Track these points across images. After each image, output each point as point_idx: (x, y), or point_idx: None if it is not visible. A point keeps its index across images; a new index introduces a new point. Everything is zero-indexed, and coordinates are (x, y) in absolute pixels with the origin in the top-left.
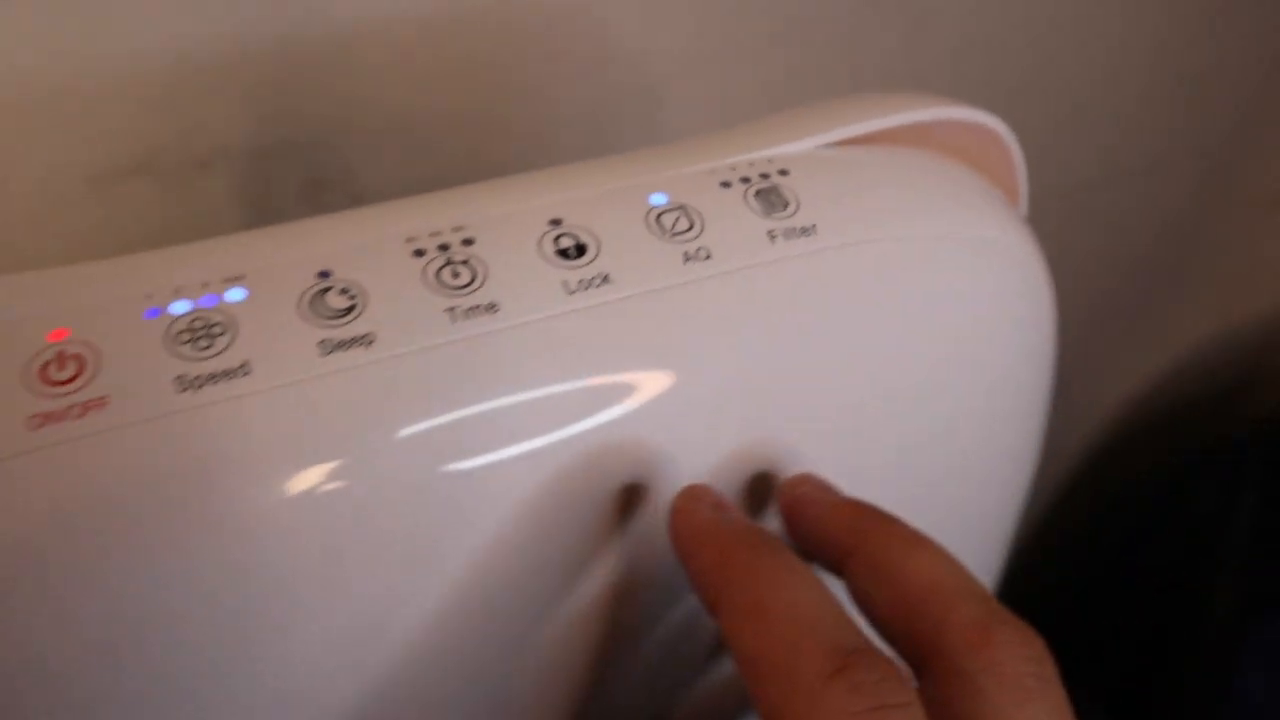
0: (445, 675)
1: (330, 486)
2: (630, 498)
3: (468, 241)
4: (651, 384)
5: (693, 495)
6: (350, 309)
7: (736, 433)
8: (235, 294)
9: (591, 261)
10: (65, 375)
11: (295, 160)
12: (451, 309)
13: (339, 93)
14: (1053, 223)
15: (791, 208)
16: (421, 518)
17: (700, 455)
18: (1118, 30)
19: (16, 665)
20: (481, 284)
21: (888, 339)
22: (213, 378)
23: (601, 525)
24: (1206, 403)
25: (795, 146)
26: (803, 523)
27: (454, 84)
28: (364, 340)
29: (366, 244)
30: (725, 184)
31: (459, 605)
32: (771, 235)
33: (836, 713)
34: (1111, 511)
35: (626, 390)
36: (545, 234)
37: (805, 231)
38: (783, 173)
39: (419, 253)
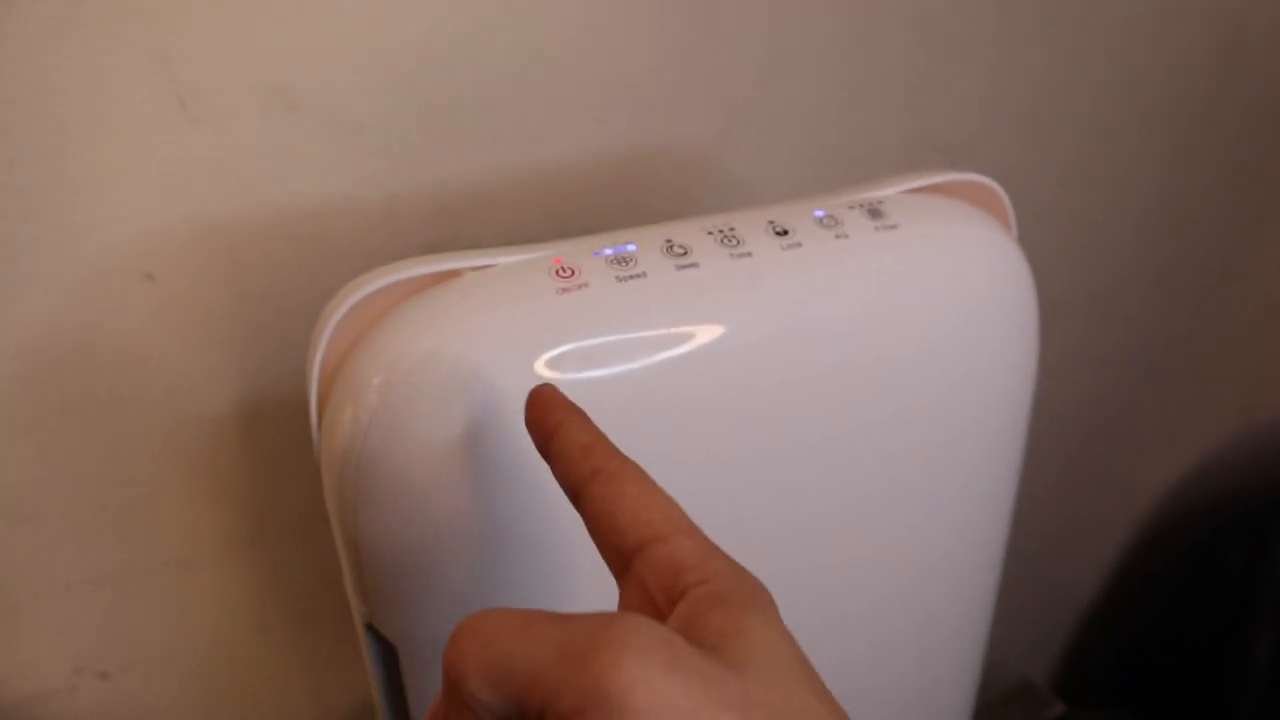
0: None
1: (692, 336)
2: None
3: (732, 229)
4: (819, 298)
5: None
6: (685, 253)
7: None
8: (630, 247)
9: (793, 236)
10: (567, 274)
11: None
12: (730, 254)
13: (545, 213)
14: (1081, 323)
15: (885, 217)
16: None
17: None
18: (1130, 157)
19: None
20: (742, 244)
21: (927, 293)
22: (632, 276)
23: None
24: (1233, 487)
25: (886, 192)
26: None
27: (622, 203)
28: (695, 264)
29: (684, 231)
30: (851, 206)
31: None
32: (876, 229)
33: None
34: (1157, 584)
35: (807, 300)
36: (766, 226)
37: (893, 228)
38: (880, 202)
39: (710, 233)
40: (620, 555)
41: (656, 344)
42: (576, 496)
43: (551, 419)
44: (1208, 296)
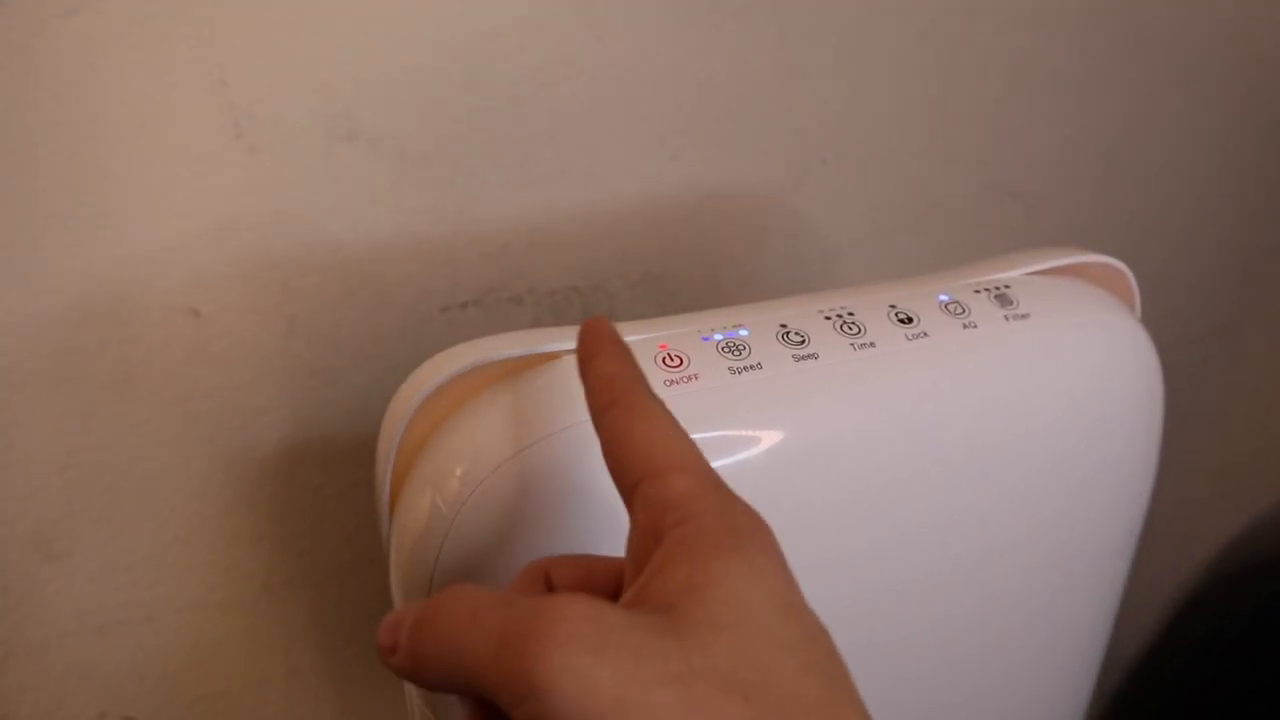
0: None
1: (809, 434)
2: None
3: (850, 313)
4: (946, 390)
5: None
6: (802, 342)
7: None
8: (743, 331)
9: (917, 325)
10: (674, 363)
11: (576, 299)
12: (851, 344)
13: (611, 254)
14: None
15: (1015, 304)
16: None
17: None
18: (1200, 210)
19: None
20: (864, 333)
21: (1063, 388)
22: (745, 369)
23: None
24: None
25: (1010, 274)
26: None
27: (690, 246)
28: (813, 356)
29: (798, 314)
30: (977, 291)
31: None
32: (1006, 318)
33: None
34: (1210, 641)
35: (933, 397)
36: (888, 311)
37: (1023, 316)
38: (1007, 286)
39: (828, 318)
40: (624, 490)
41: (770, 440)
42: (596, 426)
43: (591, 348)
44: (1269, 350)
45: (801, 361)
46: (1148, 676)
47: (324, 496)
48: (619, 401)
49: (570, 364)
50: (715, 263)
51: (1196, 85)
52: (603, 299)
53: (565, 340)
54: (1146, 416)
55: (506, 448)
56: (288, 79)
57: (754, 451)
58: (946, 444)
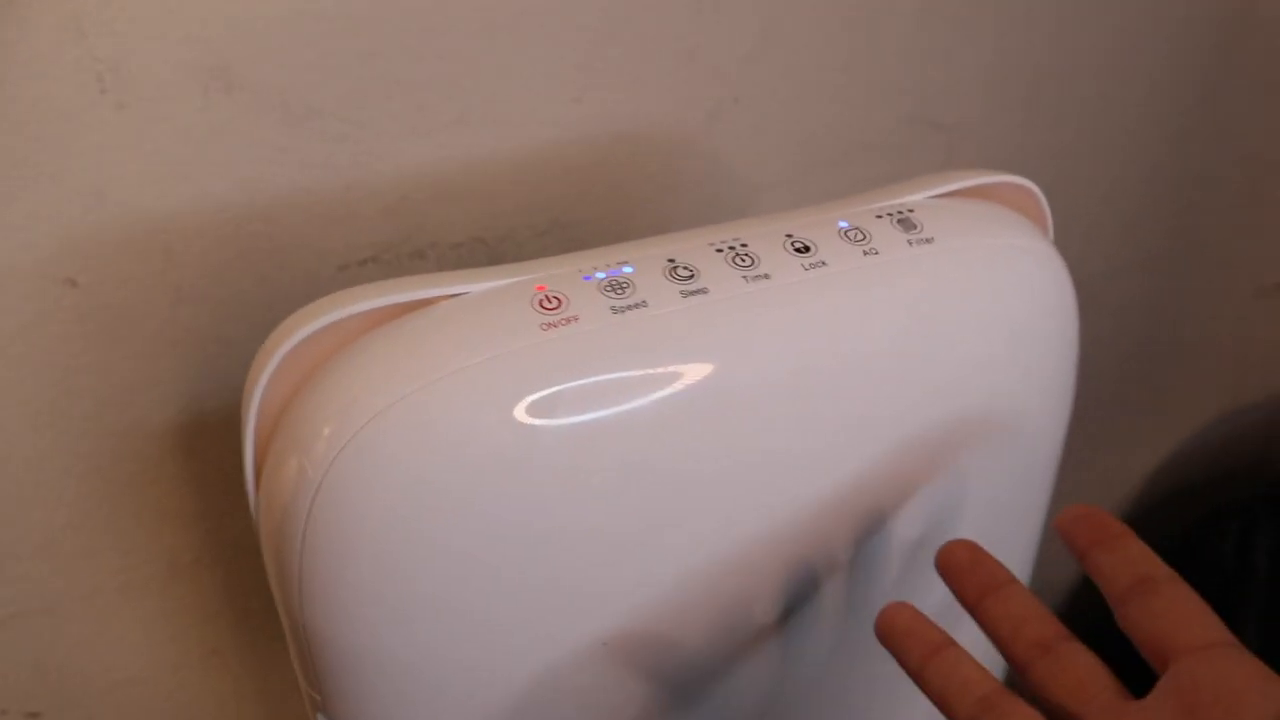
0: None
1: (699, 376)
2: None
3: (744, 244)
4: (849, 328)
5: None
6: (691, 276)
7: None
8: (627, 269)
9: (815, 253)
10: (552, 306)
11: (483, 252)
12: (744, 276)
13: (516, 203)
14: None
15: (919, 229)
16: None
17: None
18: (1128, 140)
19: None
20: (758, 265)
21: (970, 310)
22: (629, 307)
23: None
24: (1219, 471)
25: (914, 197)
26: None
27: (600, 193)
28: (703, 290)
29: (688, 248)
30: (878, 216)
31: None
32: (909, 242)
33: None
34: None
35: (836, 331)
36: (784, 240)
37: (928, 241)
38: (910, 210)
39: (719, 250)
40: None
41: (658, 383)
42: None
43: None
44: (1197, 280)
45: (690, 297)
46: (1082, 609)
47: (227, 470)
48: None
49: (443, 310)
50: (628, 208)
51: (1119, 14)
52: (510, 250)
53: (435, 286)
54: (1060, 338)
55: (377, 400)
56: (153, 29)
57: (641, 398)
58: (849, 378)
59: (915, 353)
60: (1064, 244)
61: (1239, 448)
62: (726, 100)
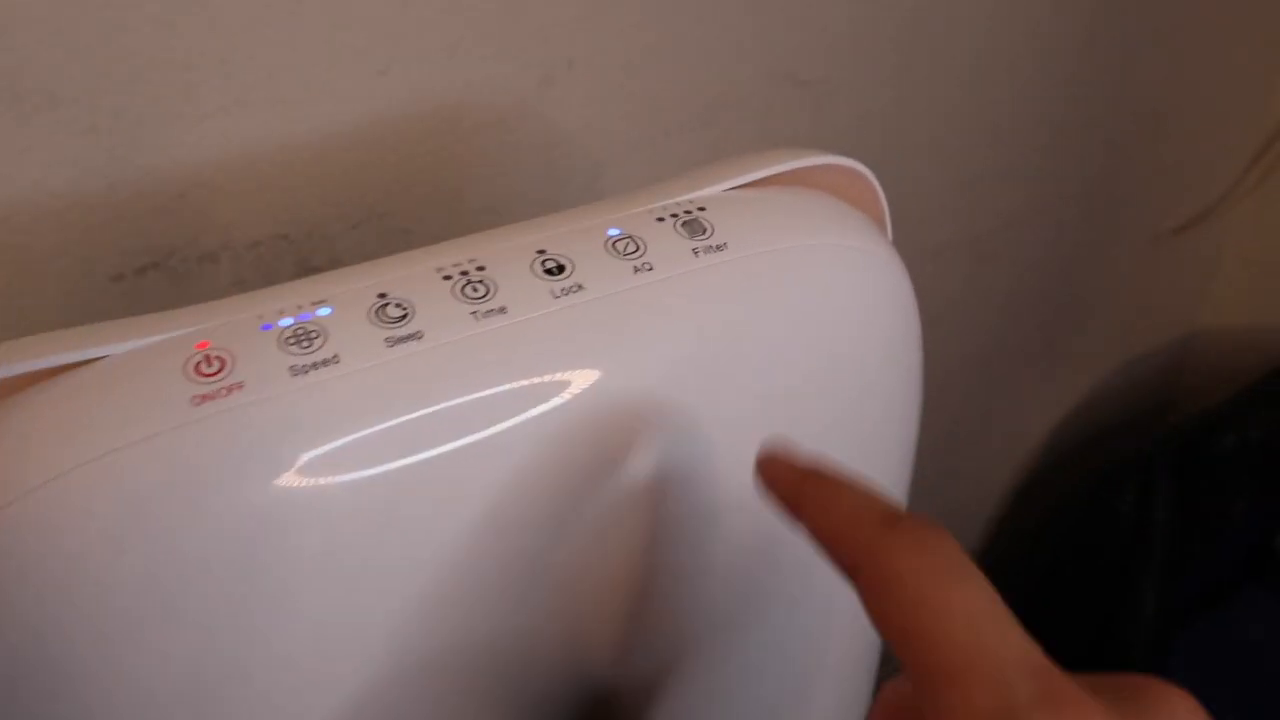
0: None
1: (395, 444)
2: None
3: (480, 268)
4: (613, 363)
5: (768, 455)
6: (404, 317)
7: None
8: (323, 310)
9: (570, 276)
10: (212, 370)
11: (288, 250)
12: (474, 312)
13: (322, 192)
14: (963, 267)
15: (709, 232)
16: (460, 473)
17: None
18: (1011, 89)
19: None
20: (493, 295)
21: (777, 329)
22: (314, 366)
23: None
24: (1121, 427)
25: (707, 190)
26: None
27: (422, 176)
28: (416, 336)
29: (409, 275)
30: (660, 219)
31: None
32: (695, 251)
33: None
34: (1043, 531)
35: (595, 368)
36: (534, 259)
37: (719, 248)
38: (700, 209)
39: (447, 277)
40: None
41: (341, 474)
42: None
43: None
44: (1091, 229)
45: (398, 346)
46: (985, 570)
47: None
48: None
49: (77, 380)
50: (456, 188)
51: None
52: (321, 246)
53: (73, 348)
54: (898, 348)
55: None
56: None
57: (318, 494)
58: (607, 438)
59: (700, 390)
60: (951, 199)
61: (1139, 397)
62: (560, 63)
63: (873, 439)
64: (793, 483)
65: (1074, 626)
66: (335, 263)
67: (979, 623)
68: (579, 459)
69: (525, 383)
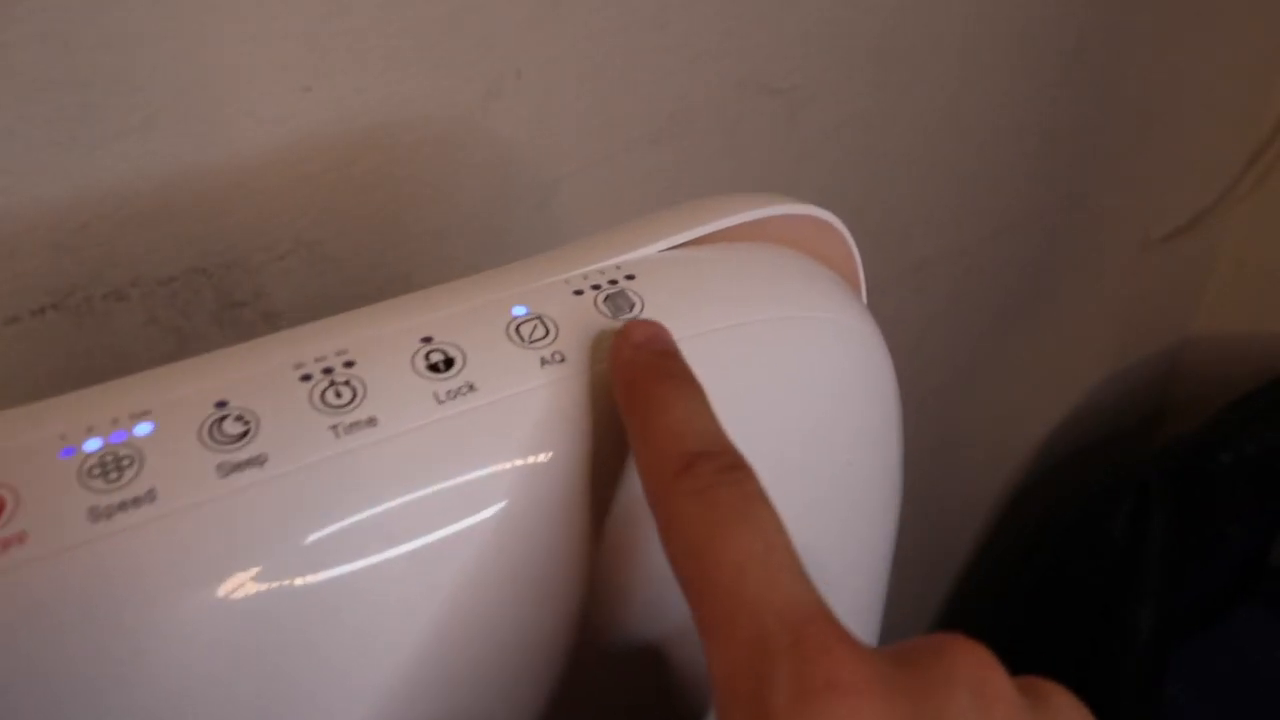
0: None
1: (233, 597)
2: (516, 579)
3: (349, 364)
4: (518, 477)
5: (622, 334)
6: (245, 434)
7: (596, 515)
8: (143, 428)
9: (459, 373)
10: None
11: (206, 286)
12: (335, 426)
13: (243, 221)
14: (949, 279)
15: (637, 308)
16: (324, 621)
17: (568, 535)
18: (996, 96)
19: None
20: (361, 401)
21: (740, 417)
22: (122, 506)
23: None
24: (1112, 438)
25: (640, 252)
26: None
27: (355, 200)
28: (257, 461)
29: (260, 373)
30: (578, 292)
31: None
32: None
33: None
34: (1033, 550)
35: (497, 484)
36: (417, 351)
37: None
38: (629, 277)
39: (306, 377)
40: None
41: (152, 638)
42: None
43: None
44: (1078, 238)
45: (235, 474)
46: (976, 587)
47: None
48: None
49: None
50: (394, 213)
51: None
52: (243, 280)
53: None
54: (875, 426)
55: None
56: None
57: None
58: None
59: (635, 503)
60: (936, 209)
61: (1130, 409)
62: (508, 73)
63: (847, 528)
64: (629, 380)
65: (1066, 645)
66: (259, 297)
67: (747, 571)
68: (463, 612)
69: (384, 530)
